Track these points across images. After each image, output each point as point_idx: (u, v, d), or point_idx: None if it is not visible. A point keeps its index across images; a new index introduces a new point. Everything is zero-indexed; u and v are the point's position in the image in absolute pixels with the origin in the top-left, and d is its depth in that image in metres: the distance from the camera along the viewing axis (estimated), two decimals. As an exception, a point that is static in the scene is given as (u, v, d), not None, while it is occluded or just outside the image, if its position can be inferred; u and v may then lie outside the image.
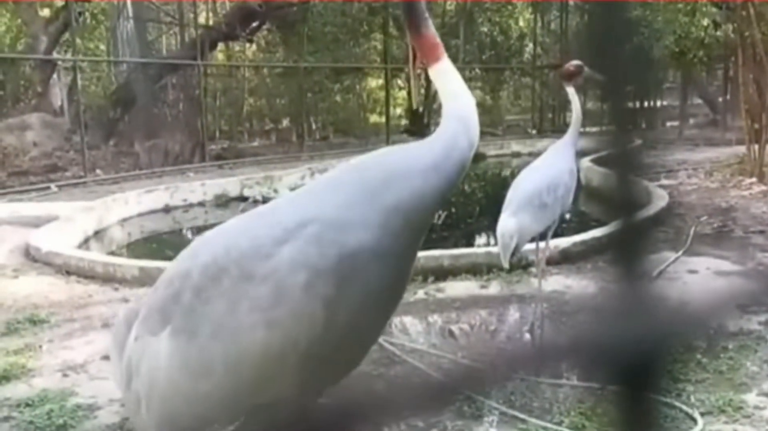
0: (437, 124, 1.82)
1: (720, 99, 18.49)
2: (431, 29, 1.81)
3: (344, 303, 1.59)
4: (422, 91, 19.92)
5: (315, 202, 1.68)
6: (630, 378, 0.40)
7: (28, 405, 3.34)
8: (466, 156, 1.72)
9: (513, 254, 4.13)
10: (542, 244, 4.37)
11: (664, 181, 9.19)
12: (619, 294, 0.42)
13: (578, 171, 4.39)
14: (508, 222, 4.07)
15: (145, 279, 5.34)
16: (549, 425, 3.02)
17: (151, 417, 1.80)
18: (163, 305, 1.75)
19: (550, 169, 4.23)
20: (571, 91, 4.37)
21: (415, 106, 17.50)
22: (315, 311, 1.57)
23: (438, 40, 1.80)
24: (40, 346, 4.16)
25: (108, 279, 5.54)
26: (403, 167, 1.69)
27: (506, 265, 4.26)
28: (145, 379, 1.78)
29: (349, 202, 1.63)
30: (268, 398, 1.69)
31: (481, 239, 8.43)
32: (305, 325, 1.57)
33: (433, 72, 1.80)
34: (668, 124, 19.28)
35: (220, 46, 17.41)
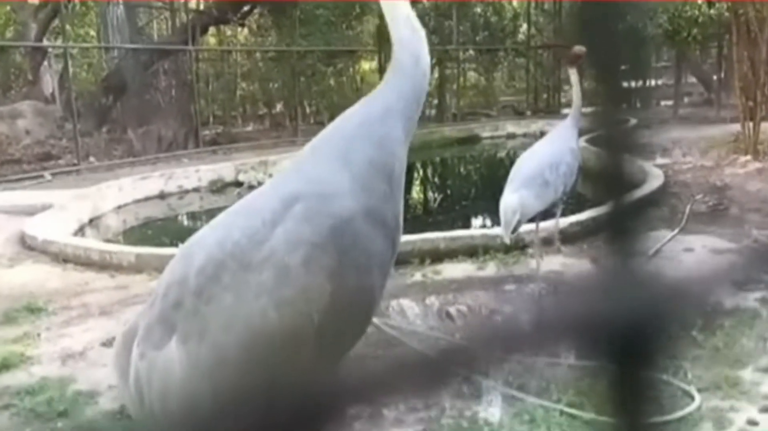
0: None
1: (714, 77, 18.44)
2: None
3: (347, 271, 1.62)
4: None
5: (296, 181, 1.71)
6: (624, 356, 0.40)
7: (28, 392, 3.35)
8: (420, 88, 1.74)
9: (515, 230, 4.20)
10: (551, 222, 4.45)
11: (659, 160, 9.20)
12: (612, 271, 0.42)
13: (579, 151, 4.44)
14: (510, 198, 4.15)
15: (142, 265, 5.34)
16: (547, 403, 3.04)
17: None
18: (163, 316, 1.73)
19: (553, 147, 4.30)
20: (573, 72, 4.43)
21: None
22: (321, 284, 1.60)
23: None
24: (39, 334, 4.17)
25: (104, 266, 5.53)
26: (363, 121, 1.72)
27: (507, 241, 4.35)
28: (157, 395, 1.75)
29: (329, 173, 1.66)
30: (287, 377, 1.71)
31: (477, 221, 8.44)
32: (315, 300, 1.60)
33: (383, 2, 1.76)
34: (663, 103, 19.26)
35: (212, 30, 17.26)
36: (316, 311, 1.61)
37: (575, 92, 4.49)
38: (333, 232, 1.60)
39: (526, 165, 4.25)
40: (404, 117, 1.72)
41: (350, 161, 1.67)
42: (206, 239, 1.77)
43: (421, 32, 1.76)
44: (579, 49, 4.30)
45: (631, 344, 0.41)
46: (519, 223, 4.16)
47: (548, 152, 4.26)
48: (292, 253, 1.59)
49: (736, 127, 9.71)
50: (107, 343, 3.78)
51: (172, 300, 1.73)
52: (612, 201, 0.41)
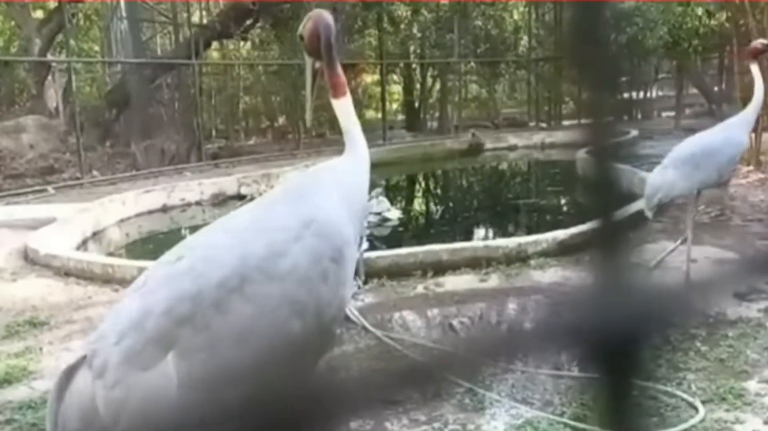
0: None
1: (715, 88, 18.49)
2: (339, 68, 2.31)
3: (343, 281, 1.95)
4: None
5: (308, 206, 2.00)
6: (613, 364, 0.40)
7: (30, 407, 3.34)
8: (368, 169, 2.30)
9: (657, 209, 4.32)
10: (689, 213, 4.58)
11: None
12: (600, 281, 0.42)
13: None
14: (657, 176, 4.35)
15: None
16: (551, 416, 3.02)
17: None
18: (160, 334, 1.74)
19: (716, 135, 4.44)
20: (755, 68, 4.59)
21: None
22: (335, 293, 1.91)
23: (344, 80, 2.32)
24: (41, 349, 4.16)
25: (107, 280, 5.53)
26: (354, 176, 2.22)
27: (649, 215, 4.48)
28: (138, 418, 1.73)
29: (333, 205, 2.03)
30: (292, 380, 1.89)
31: (479, 232, 8.44)
32: (328, 306, 1.89)
33: (336, 104, 2.31)
34: (664, 114, 19.29)
35: (215, 44, 17.36)
36: (328, 315, 1.89)
37: (758, 86, 4.60)
38: (340, 249, 1.93)
39: (682, 147, 4.43)
40: (365, 181, 2.28)
41: (347, 200, 2.10)
42: (222, 256, 1.85)
43: (362, 135, 2.32)
44: (761, 42, 4.46)
45: (617, 351, 0.41)
46: (661, 202, 4.30)
47: (709, 139, 4.42)
48: (312, 265, 1.85)
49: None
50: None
51: (178, 315, 1.74)
52: (602, 214, 0.41)
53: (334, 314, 1.92)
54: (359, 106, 18.55)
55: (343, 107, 2.30)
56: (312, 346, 1.89)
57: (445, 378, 0.46)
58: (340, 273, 1.91)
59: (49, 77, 15.41)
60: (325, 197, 2.04)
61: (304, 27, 2.33)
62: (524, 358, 3.32)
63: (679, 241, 5.58)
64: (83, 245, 7.44)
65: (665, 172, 4.36)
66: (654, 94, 20.82)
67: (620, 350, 0.37)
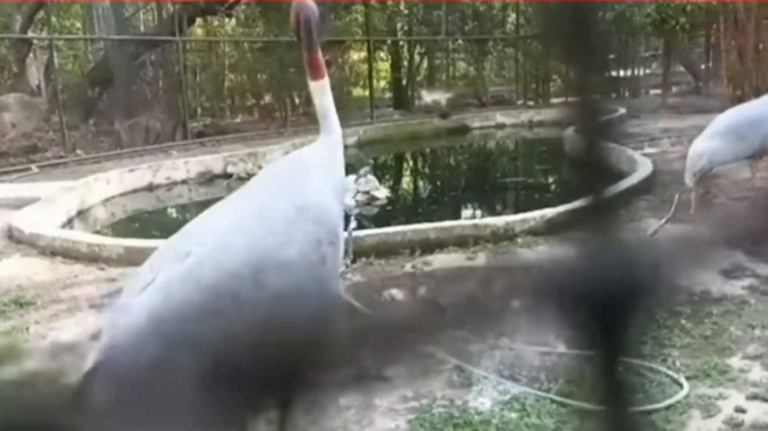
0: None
1: (702, 66, 18.52)
2: (319, 52, 2.37)
3: (338, 262, 2.14)
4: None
5: (301, 191, 2.10)
6: (600, 328, 0.40)
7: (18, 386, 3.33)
8: (342, 150, 2.43)
9: (699, 176, 4.40)
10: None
11: (648, 149, 9.24)
12: (591, 251, 0.41)
13: None
14: (700, 144, 4.44)
15: (131, 258, 5.30)
16: (538, 392, 3.06)
17: None
18: (182, 336, 1.75)
19: (759, 107, 4.50)
20: None
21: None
22: (332, 273, 2.06)
23: (323, 63, 2.38)
24: (27, 328, 4.14)
25: (93, 259, 5.50)
26: (332, 159, 2.33)
27: (688, 183, 4.57)
28: None
29: (322, 188, 2.13)
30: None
31: (467, 211, 8.46)
32: (329, 287, 2.05)
33: (313, 86, 2.38)
34: (651, 92, 19.32)
35: (199, 21, 17.12)
36: (330, 299, 2.06)
37: None
38: (337, 233, 2.10)
39: (727, 116, 4.50)
40: (338, 162, 2.40)
41: (336, 191, 2.23)
42: (230, 250, 1.88)
43: (336, 118, 2.43)
44: None
45: (608, 316, 0.40)
46: (702, 170, 4.37)
47: (755, 110, 4.49)
48: (315, 251, 1.94)
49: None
50: (97, 336, 3.76)
51: (201, 312, 1.78)
52: (591, 192, 0.40)
53: (334, 294, 2.05)
54: (346, 83, 18.45)
55: (320, 89, 2.38)
56: (319, 328, 1.93)
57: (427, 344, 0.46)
58: (336, 255, 2.03)
59: (31, 55, 15.14)
60: (313, 181, 2.13)
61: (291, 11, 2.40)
62: (511, 325, 3.38)
63: (664, 220, 5.63)
64: (68, 224, 7.37)
65: (708, 141, 4.45)
66: (641, 72, 20.82)
67: (610, 313, 0.36)
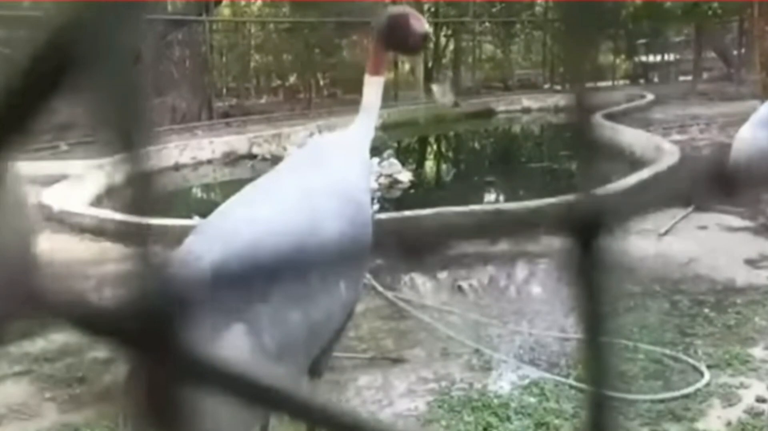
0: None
1: (735, 52, 18.13)
2: (386, 54, 2.48)
3: (368, 245, 2.16)
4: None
5: (338, 174, 2.14)
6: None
7: (46, 359, 3.43)
8: (371, 139, 2.44)
9: (743, 166, 4.37)
10: None
11: (676, 136, 9.11)
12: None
13: None
14: (744, 132, 4.38)
15: (156, 235, 5.38)
16: (556, 378, 3.07)
17: None
18: (226, 306, 1.79)
19: None
20: None
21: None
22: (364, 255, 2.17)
23: (385, 63, 2.48)
24: (57, 303, 4.24)
25: (120, 236, 5.59)
26: (362, 151, 2.36)
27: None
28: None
29: (357, 173, 2.19)
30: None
31: (489, 196, 8.43)
32: (361, 269, 2.17)
33: (368, 79, 2.42)
34: (681, 78, 18.98)
35: (226, 1, 17.15)
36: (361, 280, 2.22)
37: None
38: (369, 217, 2.16)
39: None
40: (368, 145, 2.43)
41: (366, 169, 2.32)
42: (273, 227, 1.91)
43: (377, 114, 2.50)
44: None
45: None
46: (750, 159, 4.34)
47: None
48: (351, 232, 2.00)
49: (756, 103, 9.57)
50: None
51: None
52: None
53: (363, 275, 2.13)
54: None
55: (374, 85, 2.43)
56: (349, 307, 2.06)
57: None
58: (366, 239, 2.10)
59: (60, 32, 15.31)
60: (349, 166, 2.20)
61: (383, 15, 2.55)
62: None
63: (690, 208, 5.56)
64: (97, 202, 7.50)
65: (754, 130, 4.38)
66: (671, 58, 20.45)
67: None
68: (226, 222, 1.99)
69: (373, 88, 2.40)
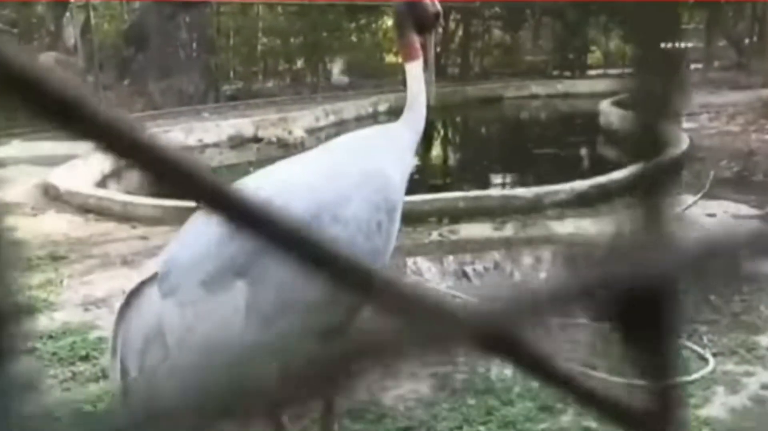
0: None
1: (746, 41, 17.93)
2: (413, 36, 2.41)
3: (391, 236, 2.14)
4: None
5: (369, 161, 2.16)
6: (639, 317, 0.39)
7: (51, 337, 3.44)
8: (420, 135, 2.45)
9: None
10: None
11: (685, 125, 9.03)
12: (634, 232, 0.41)
13: None
14: None
15: (163, 217, 5.39)
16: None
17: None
18: (236, 263, 1.87)
19: None
20: None
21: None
22: (384, 242, 2.10)
23: (417, 45, 2.41)
24: (61, 281, 4.25)
25: (126, 217, 5.60)
26: (407, 143, 2.36)
27: None
28: (200, 339, 1.84)
29: (390, 165, 2.18)
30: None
31: (496, 181, 8.40)
32: (378, 254, 2.09)
33: (407, 68, 2.39)
34: (692, 66, 18.78)
35: (234, -17, 17.04)
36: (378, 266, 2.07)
37: None
38: (396, 206, 2.13)
39: None
40: (413, 149, 2.45)
41: (402, 162, 2.29)
42: (294, 197, 1.93)
43: (425, 101, 2.44)
44: None
45: (642, 307, 0.40)
46: None
47: None
48: (372, 216, 2.02)
49: (766, 92, 9.48)
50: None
51: (254, 245, 1.82)
52: (645, 162, 0.40)
53: (381, 264, 2.10)
54: (379, 49, 18.30)
55: (414, 72, 2.39)
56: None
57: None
58: (391, 227, 2.10)
59: (67, 14, 15.26)
60: (386, 155, 2.23)
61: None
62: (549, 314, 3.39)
63: (699, 195, 5.52)
64: (103, 182, 7.50)
65: None
66: (682, 45, 20.23)
67: (642, 304, 0.36)
68: (253, 185, 2.04)
69: (413, 76, 2.37)
